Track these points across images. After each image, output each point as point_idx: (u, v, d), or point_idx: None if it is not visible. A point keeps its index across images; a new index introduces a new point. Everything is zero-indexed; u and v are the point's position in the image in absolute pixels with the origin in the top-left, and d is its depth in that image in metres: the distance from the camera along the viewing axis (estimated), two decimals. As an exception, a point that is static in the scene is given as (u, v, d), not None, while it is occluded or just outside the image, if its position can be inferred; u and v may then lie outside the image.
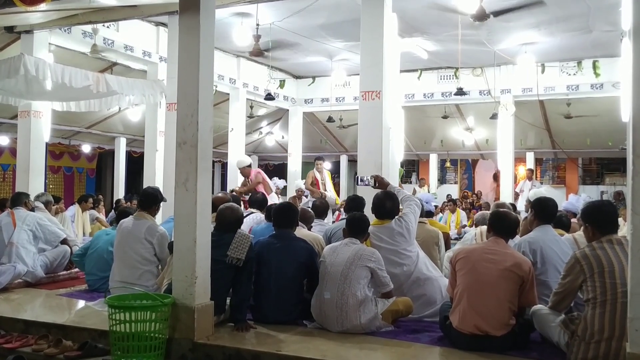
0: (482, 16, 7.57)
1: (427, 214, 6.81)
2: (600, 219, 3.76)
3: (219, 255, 4.38)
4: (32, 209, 6.76)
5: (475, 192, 19.53)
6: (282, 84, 14.04)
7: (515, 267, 3.96)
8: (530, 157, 17.18)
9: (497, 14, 7.99)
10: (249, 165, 10.17)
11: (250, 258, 4.52)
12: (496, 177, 20.60)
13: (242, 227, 4.84)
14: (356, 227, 4.75)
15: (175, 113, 4.43)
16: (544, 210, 4.83)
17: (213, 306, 4.30)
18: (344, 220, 5.39)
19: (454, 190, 19.75)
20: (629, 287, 3.20)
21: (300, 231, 5.34)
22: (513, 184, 13.66)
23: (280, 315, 4.60)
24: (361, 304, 4.35)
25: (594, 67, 11.33)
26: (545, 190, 8.47)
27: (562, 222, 5.62)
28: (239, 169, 10.20)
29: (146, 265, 5.31)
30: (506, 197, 12.79)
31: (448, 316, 4.11)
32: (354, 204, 6.03)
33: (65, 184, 18.30)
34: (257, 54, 9.19)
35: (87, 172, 19.36)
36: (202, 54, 4.24)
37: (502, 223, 4.29)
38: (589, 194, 14.85)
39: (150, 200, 5.68)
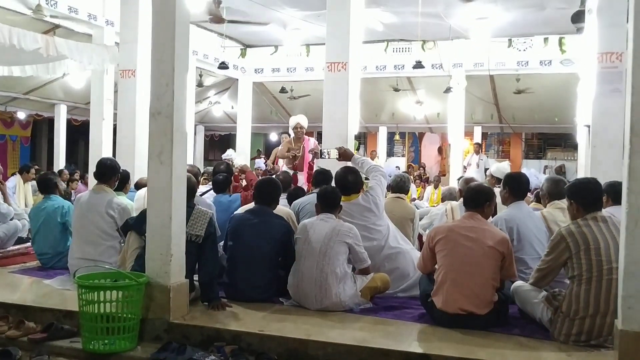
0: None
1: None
2: (587, 196, 3.76)
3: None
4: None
5: (421, 164, 19.74)
6: (243, 52, 13.69)
7: (497, 244, 3.92)
8: (477, 132, 17.39)
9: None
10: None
11: (211, 233, 4.35)
12: (440, 151, 20.91)
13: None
14: (330, 201, 4.62)
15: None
16: (518, 187, 4.84)
17: (188, 285, 4.12)
18: (313, 195, 5.28)
19: (401, 163, 19.91)
20: (622, 265, 3.22)
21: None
22: (462, 157, 13.83)
23: (255, 293, 4.46)
24: (341, 280, 4.27)
25: (560, 43, 11.46)
26: (507, 165, 8.54)
27: None
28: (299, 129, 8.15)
29: (108, 241, 5.05)
30: (455, 170, 12.92)
31: (430, 294, 4.07)
32: (322, 177, 5.86)
33: (-3, 153, 17.39)
34: (218, 20, 8.75)
35: (21, 140, 18.42)
36: (178, 20, 3.99)
37: (478, 197, 4.25)
38: (532, 167, 15.24)
39: (109, 172, 5.39)
